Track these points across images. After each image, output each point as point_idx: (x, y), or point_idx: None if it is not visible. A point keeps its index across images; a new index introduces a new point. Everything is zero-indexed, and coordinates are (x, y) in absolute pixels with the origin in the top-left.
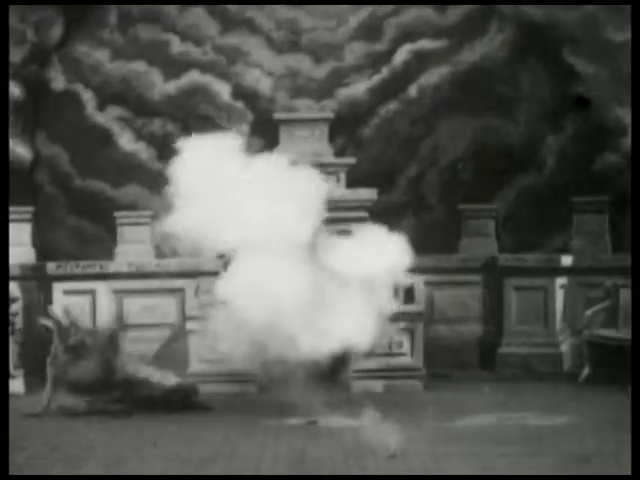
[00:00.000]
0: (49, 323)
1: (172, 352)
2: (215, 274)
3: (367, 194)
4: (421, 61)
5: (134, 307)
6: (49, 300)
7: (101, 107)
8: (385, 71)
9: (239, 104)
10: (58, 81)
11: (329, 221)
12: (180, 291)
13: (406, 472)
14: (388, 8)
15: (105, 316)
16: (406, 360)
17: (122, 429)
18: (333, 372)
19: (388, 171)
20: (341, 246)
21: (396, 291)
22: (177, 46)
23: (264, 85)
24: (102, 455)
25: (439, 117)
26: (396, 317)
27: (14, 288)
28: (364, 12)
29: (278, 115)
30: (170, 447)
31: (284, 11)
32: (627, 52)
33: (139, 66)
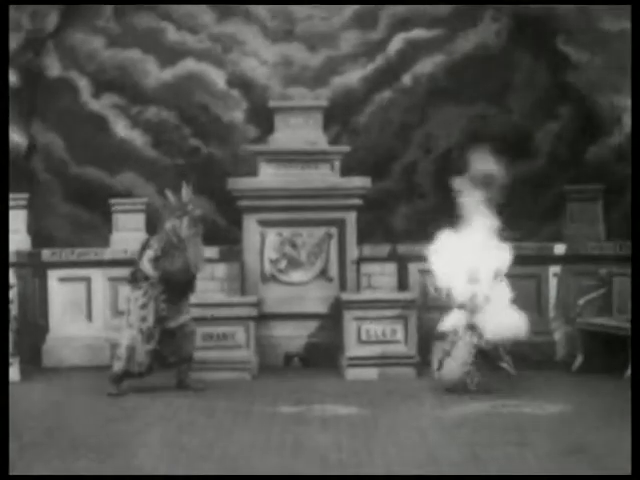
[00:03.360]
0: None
1: None
2: (211, 261)
3: (361, 182)
4: (416, 50)
5: None
6: (44, 287)
7: (96, 94)
8: (380, 60)
9: (234, 92)
10: (54, 68)
11: (323, 209)
12: None
13: (399, 462)
14: None
15: (100, 303)
16: (400, 348)
17: (115, 414)
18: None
19: (382, 159)
20: None
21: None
22: (173, 34)
23: (259, 73)
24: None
25: (433, 105)
26: (390, 305)
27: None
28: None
29: (273, 103)
30: (163, 434)
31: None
32: (621, 41)
33: (135, 54)
